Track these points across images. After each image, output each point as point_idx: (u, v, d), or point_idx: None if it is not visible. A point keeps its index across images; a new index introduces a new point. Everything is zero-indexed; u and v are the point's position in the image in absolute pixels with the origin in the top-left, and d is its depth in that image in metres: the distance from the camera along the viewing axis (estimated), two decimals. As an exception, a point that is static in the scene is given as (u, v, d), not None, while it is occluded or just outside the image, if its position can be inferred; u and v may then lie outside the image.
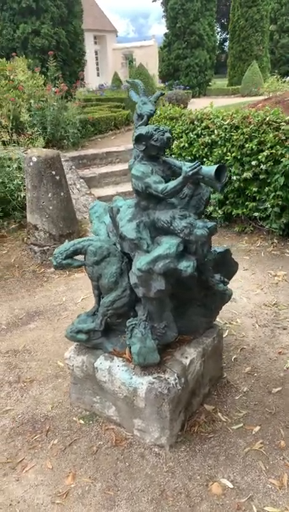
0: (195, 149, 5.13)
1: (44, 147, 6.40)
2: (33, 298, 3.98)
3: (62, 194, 4.54)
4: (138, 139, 2.01)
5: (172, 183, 1.94)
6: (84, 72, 20.94)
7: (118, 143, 7.45)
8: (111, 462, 2.21)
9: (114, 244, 2.24)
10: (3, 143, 5.55)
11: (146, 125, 2.09)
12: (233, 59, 19.50)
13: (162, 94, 2.39)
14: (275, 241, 4.73)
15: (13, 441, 2.39)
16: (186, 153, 5.26)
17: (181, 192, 2.02)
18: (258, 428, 2.35)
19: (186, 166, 1.89)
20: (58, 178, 4.48)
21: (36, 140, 5.68)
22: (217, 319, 3.30)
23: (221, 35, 45.95)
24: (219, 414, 2.44)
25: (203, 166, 1.90)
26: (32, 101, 6.22)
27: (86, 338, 2.35)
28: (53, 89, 6.48)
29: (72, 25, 10.15)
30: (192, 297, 2.35)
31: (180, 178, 1.91)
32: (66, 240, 2.30)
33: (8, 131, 5.47)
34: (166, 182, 2.01)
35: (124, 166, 6.39)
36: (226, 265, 2.35)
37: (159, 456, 2.22)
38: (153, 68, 20.91)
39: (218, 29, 46.18)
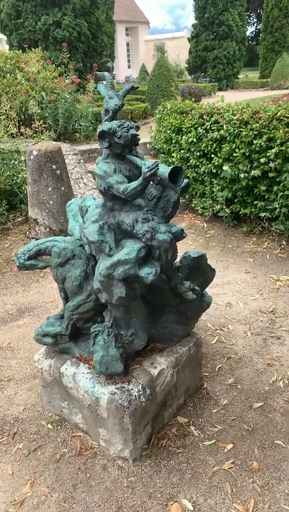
0: (204, 145, 4.94)
1: (55, 140, 6.37)
2: (26, 294, 3.94)
3: (63, 189, 4.46)
4: (100, 136, 1.89)
5: (133, 184, 1.81)
6: (113, 64, 20.84)
7: (133, 136, 7.32)
8: (72, 472, 2.12)
9: (82, 245, 2.13)
10: (12, 135, 5.52)
11: (112, 120, 1.97)
12: (265, 50, 18.92)
13: (133, 88, 2.24)
14: (284, 243, 4.51)
15: (-21, 442, 2.34)
16: (195, 149, 5.08)
17: (145, 193, 1.89)
18: (230, 446, 2.20)
19: (145, 166, 1.75)
20: (58, 172, 4.40)
21: (42, 133, 5.62)
22: (208, 324, 3.16)
23: (256, 26, 44.77)
24: (192, 427, 2.31)
25: (161, 167, 1.76)
26: (44, 93, 6.17)
27: (53, 341, 2.27)
28: (66, 81, 6.41)
29: (95, 16, 10.04)
30: (166, 303, 2.22)
31: (140, 179, 1.78)
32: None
33: (15, 124, 5.44)
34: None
35: (135, 161, 6.26)
36: (202, 272, 2.21)
37: (121, 469, 2.11)
38: (184, 60, 20.57)
39: (254, 19, 44.99)
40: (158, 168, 1.74)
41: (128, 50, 31.03)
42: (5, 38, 10.43)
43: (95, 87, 6.98)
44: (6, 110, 5.50)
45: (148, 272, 1.83)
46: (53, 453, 2.23)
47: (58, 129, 6.33)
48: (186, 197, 5.56)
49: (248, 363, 2.81)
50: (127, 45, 30.81)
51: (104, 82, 2.09)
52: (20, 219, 5.42)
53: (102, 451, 2.20)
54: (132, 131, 1.87)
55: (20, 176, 5.09)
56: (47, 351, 2.38)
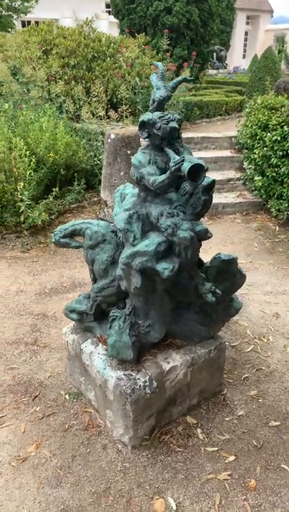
0: (288, 144, 4.67)
1: (143, 126, 6.45)
2: (84, 270, 4.12)
3: (134, 174, 4.53)
4: (140, 126, 1.90)
5: (161, 177, 1.80)
6: (226, 53, 20.24)
7: (223, 129, 7.13)
8: (75, 444, 2.23)
9: (115, 231, 2.18)
10: (100, 118, 5.73)
11: (156, 111, 1.95)
12: None
13: (186, 80, 2.19)
14: None
15: (5, 397, 2.55)
16: (279, 148, 4.82)
17: (180, 187, 1.86)
18: (233, 458, 2.14)
19: (173, 160, 1.73)
20: (132, 157, 4.48)
21: (127, 118, 5.74)
22: (247, 331, 3.06)
23: None
24: (199, 430, 2.28)
25: (186, 162, 1.71)
26: (138, 79, 6.27)
27: (78, 318, 2.37)
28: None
29: (208, 4, 9.85)
30: (190, 302, 2.19)
31: (167, 173, 1.77)
32: None
33: (104, 107, 5.63)
34: None
35: (217, 153, 6.13)
36: (231, 275, 2.13)
37: (119, 453, 2.17)
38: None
39: None
40: (182, 164, 1.71)
41: (245, 40, 29.96)
42: (118, 22, 10.74)
43: (190, 75, 6.92)
44: (98, 93, 5.71)
45: (165, 267, 1.83)
46: (63, 422, 2.36)
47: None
48: (263, 197, 5.33)
49: (277, 378, 2.67)
50: (245, 33, 29.73)
51: (157, 72, 2.08)
52: (95, 199, 5.65)
53: (107, 431, 2.27)
54: (172, 124, 1.85)
55: (101, 157, 5.28)
56: (74, 326, 2.50)
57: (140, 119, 1.90)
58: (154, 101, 1.99)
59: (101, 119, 5.69)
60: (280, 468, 2.09)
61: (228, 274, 2.11)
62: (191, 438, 2.23)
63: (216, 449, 2.18)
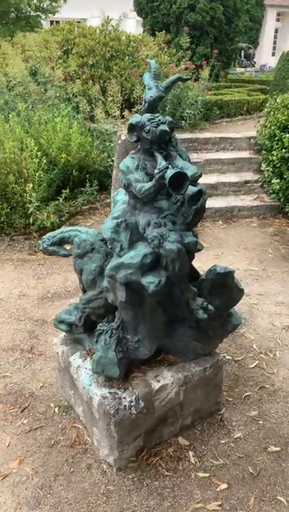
0: (306, 146, 4.44)
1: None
2: (89, 274, 4.02)
3: (145, 176, 4.41)
4: (129, 129, 1.77)
5: (147, 185, 1.67)
6: (254, 51, 19.84)
7: (243, 129, 6.89)
8: (59, 462, 2.12)
9: (104, 239, 2.06)
10: (114, 117, 5.62)
11: (147, 113, 1.82)
12: None
13: (180, 79, 2.04)
14: None
15: (-6, 407, 2.48)
16: (297, 150, 4.59)
17: (160, 195, 1.73)
18: (225, 486, 1.98)
19: (158, 167, 1.59)
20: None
21: None
22: (253, 345, 2.89)
23: None
24: (191, 453, 2.13)
25: (170, 170, 1.57)
26: (154, 78, 6.11)
27: (68, 329, 2.27)
28: (181, 66, 6.27)
29: (233, 0, 9.59)
30: (184, 316, 2.05)
31: (153, 180, 1.63)
32: None
33: (119, 107, 5.52)
34: None
35: (236, 155, 5.91)
36: (227, 290, 1.97)
37: (104, 474, 2.05)
38: None
39: None
40: (165, 171, 1.57)
41: (275, 37, 29.29)
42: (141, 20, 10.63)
43: (210, 74, 6.73)
44: (113, 92, 5.60)
45: (150, 281, 1.70)
46: (50, 437, 2.26)
47: (164, 115, 6.24)
48: (281, 200, 5.10)
49: (281, 398, 2.49)
50: (275, 31, 29.06)
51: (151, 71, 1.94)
52: (108, 200, 5.55)
53: (93, 450, 2.16)
54: (162, 127, 1.71)
55: (114, 158, 5.17)
56: (65, 337, 2.39)
57: (129, 122, 1.77)
58: (144, 102, 1.85)
59: (116, 119, 5.58)
60: (276, 500, 1.93)
61: (223, 287, 1.96)
62: (181, 461, 2.09)
63: (207, 475, 2.03)
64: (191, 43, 8.71)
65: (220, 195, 5.50)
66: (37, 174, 4.54)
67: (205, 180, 5.49)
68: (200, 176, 1.76)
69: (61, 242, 2.14)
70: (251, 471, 2.05)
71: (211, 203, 5.28)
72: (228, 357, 2.80)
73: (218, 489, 1.97)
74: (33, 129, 5.20)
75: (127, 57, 6.65)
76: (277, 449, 2.17)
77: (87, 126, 5.64)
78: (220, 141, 6.05)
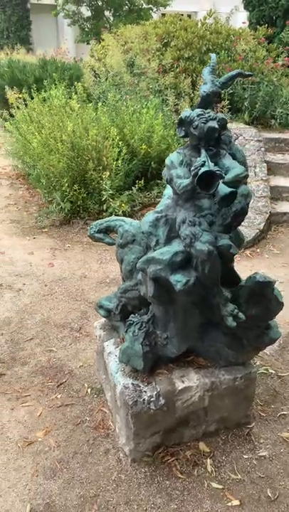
0: None
1: (247, 123, 6.11)
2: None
3: (220, 174, 4.30)
4: (178, 124, 1.73)
5: (185, 181, 1.63)
6: None
7: None
8: (80, 441, 2.20)
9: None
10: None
11: (199, 108, 1.75)
12: None
13: (241, 75, 1.91)
14: None
15: (35, 377, 2.64)
16: None
17: (196, 193, 1.67)
18: (237, 503, 1.90)
19: (194, 164, 1.54)
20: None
21: (223, 114, 5.45)
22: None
23: None
24: (209, 460, 2.07)
25: (204, 167, 1.50)
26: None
27: (106, 315, 2.32)
28: (278, 62, 5.97)
29: None
30: (218, 320, 1.99)
31: (190, 177, 1.58)
32: None
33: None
34: None
35: None
36: (266, 300, 1.86)
37: (119, 461, 2.08)
38: None
39: None
40: (200, 169, 1.51)
41: None
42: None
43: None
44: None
45: (178, 280, 1.67)
46: (77, 416, 2.35)
47: (254, 113, 6.03)
48: None
49: None
50: None
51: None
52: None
53: (114, 436, 2.20)
54: (211, 124, 1.66)
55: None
56: (105, 322, 2.45)
57: (179, 116, 1.74)
58: (199, 97, 1.81)
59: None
60: (289, 531, 1.80)
61: (262, 297, 1.86)
62: (197, 467, 2.04)
63: (221, 487, 1.96)
64: (283, 37, 8.22)
65: (301, 200, 5.18)
66: (114, 163, 4.67)
67: (287, 183, 5.22)
68: (245, 176, 1.67)
69: (107, 230, 2.19)
70: (269, 495, 1.94)
71: (289, 207, 5.00)
72: (271, 371, 2.66)
73: (229, 504, 1.90)
74: (119, 118, 5.34)
75: (223, 52, 6.50)
76: (304, 477, 2.02)
77: (173, 119, 5.64)
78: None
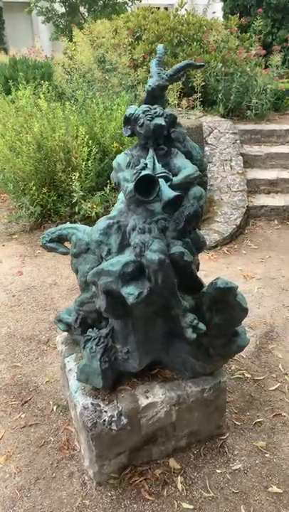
0: None
1: (223, 116, 5.99)
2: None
3: (192, 170, 4.17)
4: (124, 122, 1.59)
5: (130, 185, 1.49)
6: None
7: None
8: (44, 464, 2.06)
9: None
10: (173, 106, 5.41)
11: (146, 104, 1.62)
12: None
13: (190, 66, 1.78)
14: None
15: (-2, 396, 2.49)
16: None
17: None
18: (209, 523, 1.78)
19: (136, 168, 1.40)
20: (191, 151, 4.12)
21: (194, 108, 5.33)
22: (279, 365, 2.62)
23: None
24: (180, 478, 1.95)
25: (144, 171, 1.37)
26: (220, 64, 5.78)
27: (65, 329, 2.18)
28: (251, 51, 5.85)
29: None
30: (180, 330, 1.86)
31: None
32: None
33: (176, 95, 5.29)
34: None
35: (303, 150, 5.41)
36: (229, 307, 1.74)
37: (83, 485, 1.95)
38: None
39: None
40: (139, 173, 1.38)
41: None
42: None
43: (284, 61, 6.19)
44: (173, 80, 5.36)
45: (130, 292, 1.53)
46: (41, 436, 2.21)
47: (228, 104, 5.90)
48: None
49: (299, 432, 2.20)
50: None
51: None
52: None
53: (79, 457, 2.07)
54: (158, 121, 1.52)
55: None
56: (68, 336, 2.31)
57: (124, 114, 1.60)
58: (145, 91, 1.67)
59: (173, 108, 5.37)
60: None
61: (224, 304, 1.73)
62: (167, 486, 1.92)
63: (192, 507, 1.84)
64: (273, 27, 8.13)
65: (279, 192, 5.08)
66: (84, 163, 4.51)
67: (263, 175, 5.11)
68: (196, 178, 1.53)
69: (60, 239, 2.05)
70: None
71: (268, 200, 4.90)
72: (247, 375, 2.55)
73: (200, 525, 1.78)
74: (89, 116, 5.17)
75: (195, 43, 6.36)
76: (280, 490, 1.91)
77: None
78: (286, 133, 5.58)
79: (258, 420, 2.25)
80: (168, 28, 6.66)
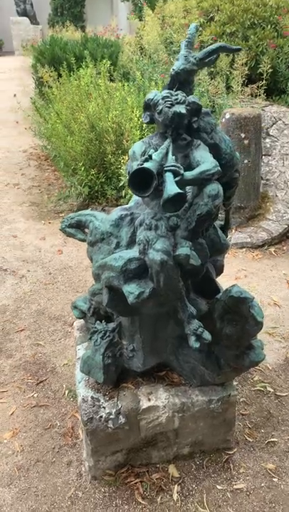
0: None
1: (290, 106, 5.58)
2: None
3: (246, 162, 3.95)
4: (144, 107, 1.47)
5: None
6: None
7: None
8: (46, 447, 2.07)
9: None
10: (234, 92, 5.12)
11: (169, 89, 1.48)
12: None
13: (222, 49, 1.58)
14: None
15: (16, 372, 2.54)
16: None
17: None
18: (198, 540, 1.69)
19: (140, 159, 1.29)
20: (246, 142, 3.88)
21: (257, 96, 4.99)
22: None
23: None
24: (177, 487, 1.87)
25: (148, 163, 1.24)
26: (293, 49, 5.36)
27: (80, 316, 2.14)
28: None
29: None
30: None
31: None
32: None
33: (239, 82, 4.98)
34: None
35: None
36: (242, 318, 1.59)
37: (79, 476, 1.93)
38: None
39: None
40: (140, 165, 1.26)
41: None
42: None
43: None
44: (240, 65, 5.08)
45: (130, 291, 1.44)
46: (49, 419, 2.22)
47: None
48: None
49: (315, 459, 2.01)
50: None
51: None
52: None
53: (80, 447, 2.05)
54: (177, 108, 1.39)
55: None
56: (84, 323, 2.28)
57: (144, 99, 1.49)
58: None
59: (236, 94, 5.08)
60: None
61: (237, 315, 1.59)
62: (162, 493, 1.84)
63: (184, 519, 1.76)
64: None
65: None
66: (135, 147, 4.42)
67: None
68: (213, 174, 1.38)
69: (78, 225, 1.99)
70: (237, 535, 1.71)
71: None
72: (269, 389, 2.38)
73: None
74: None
75: (269, 26, 5.95)
76: (282, 519, 1.76)
77: (206, 99, 5.25)
78: None
79: (272, 440, 2.09)
80: (241, 8, 6.29)
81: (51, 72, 5.76)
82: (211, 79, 5.45)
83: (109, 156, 4.39)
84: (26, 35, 16.89)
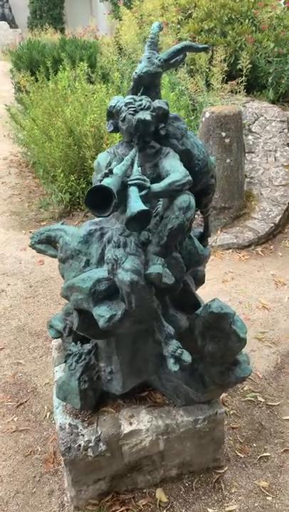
0: None
1: (272, 102, 5.51)
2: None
3: (228, 161, 3.85)
4: (107, 115, 1.37)
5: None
6: None
7: None
8: (26, 476, 1.96)
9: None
10: (214, 90, 5.03)
11: (132, 94, 1.37)
12: None
13: (188, 49, 1.48)
14: None
15: (-5, 395, 2.41)
16: None
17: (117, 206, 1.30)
18: None
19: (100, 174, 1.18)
20: (227, 141, 3.79)
21: (237, 93, 4.90)
22: (284, 394, 2.34)
23: None
24: (165, 514, 1.76)
25: (105, 179, 1.13)
26: (272, 44, 5.28)
27: (57, 335, 2.03)
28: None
29: None
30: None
31: None
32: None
33: (218, 78, 4.89)
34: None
35: None
36: (224, 335, 1.49)
37: (62, 507, 1.82)
38: None
39: None
40: (101, 180, 1.15)
41: None
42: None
43: None
44: (219, 62, 4.98)
45: (100, 314, 1.34)
46: (30, 445, 2.10)
47: (280, 89, 5.42)
48: None
49: (309, 473, 1.92)
50: None
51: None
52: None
53: (62, 474, 1.94)
54: (142, 115, 1.28)
55: (204, 137, 4.66)
56: (61, 342, 2.16)
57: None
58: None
59: (216, 92, 4.99)
60: None
61: (219, 332, 1.49)
62: (150, 520, 1.74)
63: None
64: None
65: None
66: (115, 150, 4.30)
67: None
68: (183, 185, 1.27)
69: (48, 240, 1.87)
70: None
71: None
72: (260, 398, 2.29)
73: None
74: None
75: (247, 20, 5.87)
76: None
77: (186, 99, 5.16)
78: None
79: (265, 454, 2.00)
80: (218, 4, 6.19)
81: (28, 76, 5.62)
82: (191, 77, 5.35)
83: (89, 161, 4.27)
84: (5, 39, 16.68)
